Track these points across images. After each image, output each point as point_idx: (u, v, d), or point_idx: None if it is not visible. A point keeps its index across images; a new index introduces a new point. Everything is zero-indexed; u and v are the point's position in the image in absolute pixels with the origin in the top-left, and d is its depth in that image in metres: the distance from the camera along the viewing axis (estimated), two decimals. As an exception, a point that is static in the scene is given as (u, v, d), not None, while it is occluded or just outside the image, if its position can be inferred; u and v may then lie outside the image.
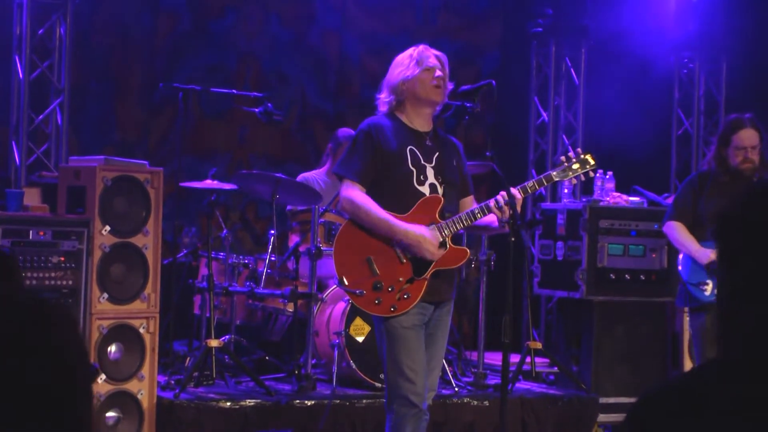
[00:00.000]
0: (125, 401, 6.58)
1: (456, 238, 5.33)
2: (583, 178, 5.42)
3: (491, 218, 5.22)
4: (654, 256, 8.35)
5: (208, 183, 7.51)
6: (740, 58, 10.33)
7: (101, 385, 6.46)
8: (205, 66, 9.65)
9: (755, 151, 6.57)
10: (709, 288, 6.51)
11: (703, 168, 6.89)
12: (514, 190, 5.15)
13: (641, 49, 10.30)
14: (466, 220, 5.24)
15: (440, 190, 5.28)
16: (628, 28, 10.22)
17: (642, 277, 8.32)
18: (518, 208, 5.11)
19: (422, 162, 5.27)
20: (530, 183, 5.33)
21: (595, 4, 10.04)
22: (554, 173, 5.40)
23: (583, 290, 8.23)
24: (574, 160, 5.41)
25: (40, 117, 8.41)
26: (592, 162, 5.43)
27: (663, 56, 10.53)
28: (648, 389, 2.00)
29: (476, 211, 5.23)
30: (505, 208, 5.09)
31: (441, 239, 5.21)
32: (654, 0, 10.35)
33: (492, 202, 5.13)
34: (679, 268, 6.79)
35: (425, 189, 5.26)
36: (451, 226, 5.22)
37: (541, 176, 5.40)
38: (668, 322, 8.49)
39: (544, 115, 10.27)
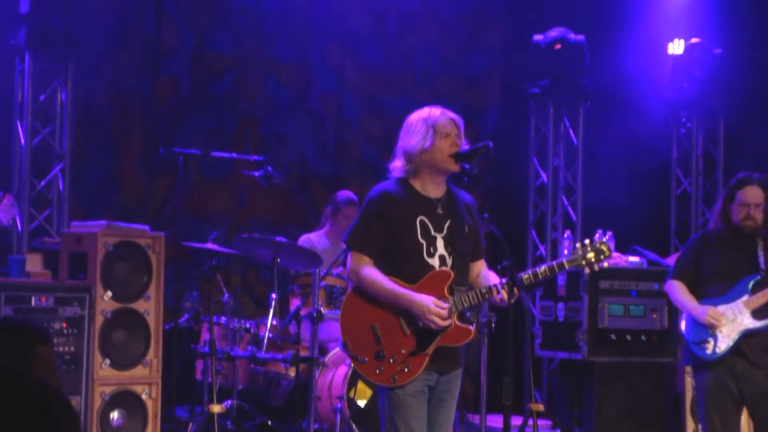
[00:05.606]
0: (127, 468, 6.56)
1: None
2: (596, 268, 5.30)
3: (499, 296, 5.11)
4: (655, 316, 8.34)
5: (210, 246, 7.53)
6: (737, 117, 10.38)
7: (103, 451, 6.44)
8: (205, 129, 9.70)
9: (759, 210, 6.53)
10: (710, 346, 6.47)
11: (708, 227, 6.88)
12: (522, 276, 5.14)
13: (639, 109, 10.37)
14: (473, 298, 5.15)
15: (449, 262, 5.19)
16: (626, 88, 10.30)
17: (643, 337, 8.30)
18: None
19: (432, 233, 5.18)
20: (542, 269, 5.20)
21: (593, 65, 10.10)
22: (566, 261, 5.27)
23: (585, 351, 8.21)
24: (589, 248, 5.29)
25: (42, 183, 8.44)
26: (607, 252, 5.35)
27: (661, 116, 10.59)
28: None
29: (484, 292, 5.15)
30: (504, 295, 5.06)
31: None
32: (651, 60, 10.44)
33: (500, 287, 5.06)
34: (682, 327, 6.76)
35: (434, 261, 5.17)
36: (458, 303, 5.14)
37: (554, 263, 5.27)
38: (670, 382, 8.47)
39: (543, 176, 10.30)
